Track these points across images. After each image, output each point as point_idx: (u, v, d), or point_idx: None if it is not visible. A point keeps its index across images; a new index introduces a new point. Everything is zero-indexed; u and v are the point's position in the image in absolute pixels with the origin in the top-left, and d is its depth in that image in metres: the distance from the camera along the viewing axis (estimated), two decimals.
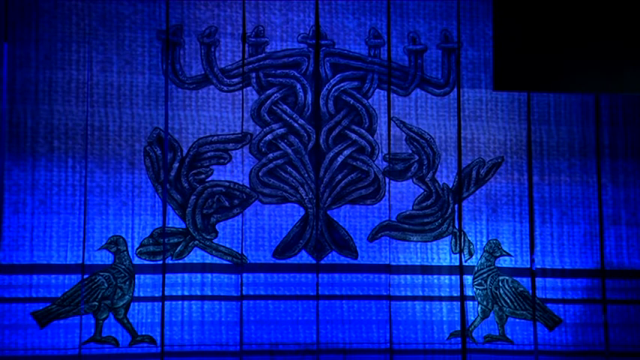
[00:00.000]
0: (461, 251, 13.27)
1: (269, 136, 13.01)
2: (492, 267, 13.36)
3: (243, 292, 12.64)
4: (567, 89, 13.51)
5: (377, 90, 13.39)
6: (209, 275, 12.59)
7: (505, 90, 13.31)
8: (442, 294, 13.16)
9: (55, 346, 12.03)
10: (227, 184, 12.82)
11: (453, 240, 13.30)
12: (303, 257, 12.89)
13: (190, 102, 12.89)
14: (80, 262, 12.22)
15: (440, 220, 13.33)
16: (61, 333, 12.07)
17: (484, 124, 13.60)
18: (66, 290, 12.14)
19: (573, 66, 12.89)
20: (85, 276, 12.22)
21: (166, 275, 12.45)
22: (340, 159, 13.13)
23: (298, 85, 13.18)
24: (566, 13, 12.88)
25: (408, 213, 13.27)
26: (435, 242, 13.28)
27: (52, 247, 12.20)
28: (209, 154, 12.82)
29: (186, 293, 12.50)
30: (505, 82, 12.86)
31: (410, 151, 13.36)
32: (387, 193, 13.23)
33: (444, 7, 13.60)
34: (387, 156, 13.27)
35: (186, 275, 12.53)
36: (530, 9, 12.82)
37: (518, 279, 13.41)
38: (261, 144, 12.98)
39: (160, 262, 12.45)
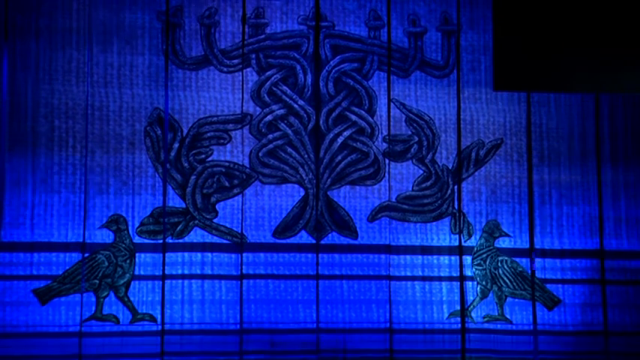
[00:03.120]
0: (460, 232, 13.69)
1: (269, 117, 13.42)
2: (491, 247, 13.79)
3: (243, 272, 13.06)
4: (566, 89, 13.98)
5: (377, 72, 13.82)
6: (209, 254, 13.01)
7: (505, 90, 13.83)
8: (441, 274, 13.60)
9: (56, 323, 12.45)
10: (227, 164, 13.23)
11: (453, 221, 13.72)
12: (303, 237, 13.31)
13: (190, 83, 13.30)
14: (81, 240, 12.64)
15: (439, 201, 13.74)
16: (62, 310, 12.48)
17: (483, 106, 14.02)
18: (67, 268, 12.57)
19: (572, 66, 13.36)
20: (86, 254, 12.64)
21: (166, 254, 12.87)
22: (340, 140, 13.55)
23: (298, 67, 13.58)
24: (564, 15, 13.33)
25: (407, 194, 13.69)
26: (434, 223, 13.71)
27: (52, 226, 12.63)
28: (209, 134, 13.23)
29: (186, 272, 12.93)
30: (505, 82, 13.32)
31: (410, 133, 13.78)
32: (386, 174, 13.65)
33: None
34: (387, 137, 13.69)
35: (186, 254, 12.96)
36: (530, 11, 13.26)
37: (517, 259, 13.85)
38: (261, 125, 13.39)
39: (161, 241, 12.87)
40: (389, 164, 13.70)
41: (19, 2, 12.76)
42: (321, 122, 13.53)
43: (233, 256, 13.09)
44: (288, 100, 13.52)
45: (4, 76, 12.66)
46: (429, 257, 13.62)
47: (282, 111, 13.48)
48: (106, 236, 12.77)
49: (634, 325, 13.99)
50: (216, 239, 13.07)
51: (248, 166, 13.30)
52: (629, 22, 13.33)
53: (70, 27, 12.95)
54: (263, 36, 13.56)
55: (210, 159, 13.21)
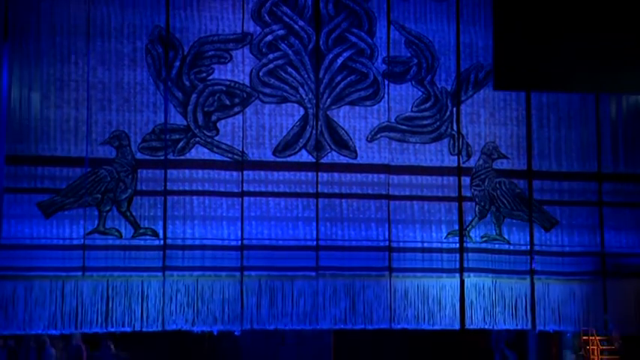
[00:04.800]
0: (459, 153, 14.06)
1: (269, 37, 13.72)
2: (490, 169, 14.16)
3: (244, 189, 13.44)
4: (565, 89, 14.35)
5: None
6: (210, 171, 13.36)
7: (505, 89, 14.14)
8: (440, 194, 13.94)
9: (59, 235, 12.85)
10: (228, 83, 13.55)
11: (451, 142, 14.08)
12: (303, 156, 13.68)
13: (191, 2, 13.64)
14: (84, 155, 13.00)
15: (438, 123, 14.09)
16: (66, 223, 12.87)
17: (482, 29, 14.33)
18: (70, 182, 12.95)
19: (571, 66, 13.63)
20: (89, 169, 12.95)
21: (168, 170, 13.25)
22: (340, 61, 13.86)
23: None
24: (564, 17, 13.57)
25: (406, 115, 14.04)
26: (433, 144, 14.07)
27: (55, 140, 12.98)
28: (210, 53, 13.54)
29: (187, 188, 13.30)
30: (505, 82, 13.62)
31: (409, 55, 14.11)
32: (386, 95, 13.99)
33: None
34: (387, 59, 14.02)
35: (187, 171, 13.33)
36: (529, 12, 13.52)
37: (515, 181, 14.21)
38: (262, 44, 13.69)
39: (162, 158, 13.23)
40: (388, 85, 14.02)
41: None
42: (321, 43, 13.83)
43: (234, 173, 13.45)
44: (288, 20, 13.79)
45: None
46: (428, 177, 13.98)
47: (282, 31, 13.76)
48: (108, 152, 13.12)
49: (630, 246, 14.40)
50: (217, 157, 13.42)
51: (248, 85, 13.62)
52: (627, 24, 13.64)
53: None
54: None
55: (211, 77, 13.52)
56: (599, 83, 13.98)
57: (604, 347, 14.48)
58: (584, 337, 14.52)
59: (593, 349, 14.62)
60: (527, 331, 14.92)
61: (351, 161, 13.81)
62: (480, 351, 15.37)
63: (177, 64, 13.43)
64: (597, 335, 14.44)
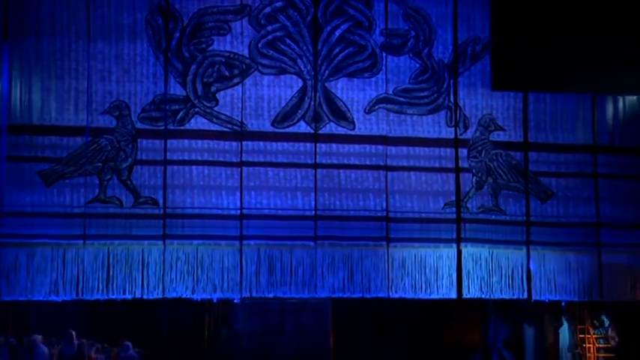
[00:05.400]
0: (456, 124, 14.25)
1: (268, 9, 13.92)
2: (487, 141, 14.37)
3: (243, 159, 13.66)
4: (563, 89, 14.49)
5: None
6: (209, 141, 13.58)
7: (503, 90, 14.29)
8: (438, 165, 14.15)
9: (60, 204, 13.06)
10: (227, 54, 13.74)
11: (449, 114, 14.29)
12: (302, 127, 13.89)
13: None
14: (84, 124, 13.19)
15: (436, 95, 14.29)
16: (67, 192, 13.07)
17: (479, 3, 14.50)
18: (71, 151, 13.14)
19: (569, 66, 13.78)
20: (89, 138, 13.15)
21: (168, 140, 13.46)
22: (338, 33, 14.06)
23: None
24: (562, 18, 13.72)
25: (404, 87, 14.25)
26: (430, 116, 14.27)
27: (56, 110, 13.19)
28: (209, 24, 13.73)
29: (187, 158, 13.49)
30: (503, 82, 13.82)
31: (407, 27, 14.30)
32: (383, 67, 14.20)
33: None
34: (384, 31, 14.21)
35: (187, 141, 13.52)
36: (527, 13, 13.68)
37: (511, 153, 14.41)
38: (260, 16, 13.88)
39: (162, 128, 13.42)
40: (386, 58, 14.21)
41: None
42: (319, 15, 14.01)
43: (233, 143, 13.65)
44: None
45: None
46: (426, 149, 14.19)
47: (280, 3, 13.94)
48: (108, 121, 13.31)
49: (624, 217, 14.62)
50: (216, 127, 13.63)
51: (247, 56, 13.81)
52: (625, 24, 13.81)
53: None
54: None
55: (210, 49, 13.71)
56: (597, 83, 14.18)
57: (600, 345, 14.83)
58: (581, 336, 14.93)
59: (589, 347, 15.05)
60: (524, 331, 15.19)
61: (349, 132, 14.02)
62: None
63: (177, 35, 13.62)
64: (594, 334, 14.75)
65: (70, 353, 13.60)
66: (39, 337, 13.56)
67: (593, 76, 14.00)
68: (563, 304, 14.67)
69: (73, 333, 13.70)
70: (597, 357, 15.03)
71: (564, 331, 15.30)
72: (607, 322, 15.16)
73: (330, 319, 14.35)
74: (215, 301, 13.58)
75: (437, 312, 15.74)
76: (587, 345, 14.93)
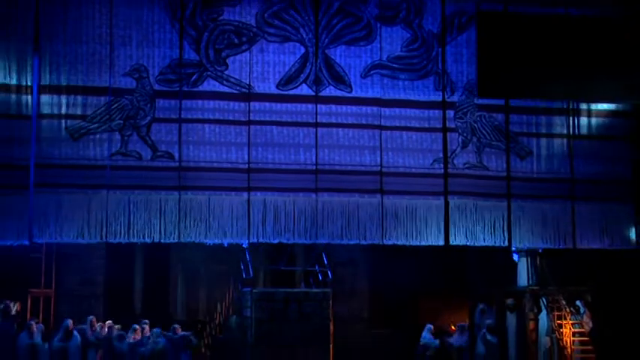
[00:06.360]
0: (444, 89, 15.73)
1: None
2: (471, 103, 15.89)
3: (251, 118, 15.08)
4: (543, 97, 15.69)
5: None
6: (220, 102, 15.04)
7: (488, 98, 15.51)
8: (427, 126, 15.65)
9: (86, 156, 14.48)
10: (236, 23, 15.21)
11: (437, 79, 15.78)
12: (304, 89, 15.37)
13: None
14: (107, 85, 14.57)
15: (425, 62, 15.79)
16: (92, 146, 14.52)
17: None
18: (95, 109, 14.53)
19: (546, 78, 14.95)
20: (112, 98, 14.57)
21: (183, 101, 14.88)
22: (336, 5, 15.56)
23: None
24: (540, 35, 14.78)
25: (397, 54, 15.74)
26: (420, 81, 15.78)
27: (82, 73, 14.59)
28: None
29: (200, 117, 14.93)
30: (488, 91, 15.06)
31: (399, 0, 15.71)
32: (378, 37, 15.68)
33: None
34: (379, 3, 15.68)
35: (200, 101, 14.98)
36: (510, 31, 14.85)
37: (494, 115, 15.91)
38: None
39: (177, 89, 14.84)
40: (380, 28, 15.69)
41: None
42: None
43: (241, 104, 15.12)
44: None
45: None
46: (416, 110, 15.69)
47: None
48: (129, 83, 14.73)
49: (598, 173, 16.15)
50: (226, 89, 15.08)
51: (255, 25, 15.26)
52: (597, 42, 15.01)
53: None
54: None
55: (221, 18, 15.15)
56: (572, 92, 15.26)
57: (576, 330, 16.29)
58: (559, 321, 16.27)
59: (565, 332, 16.32)
60: (507, 318, 16.53)
61: (346, 95, 15.51)
62: None
63: (191, 5, 15.06)
64: (570, 319, 16.19)
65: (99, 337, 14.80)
66: (70, 322, 14.65)
67: (568, 85, 15.11)
68: (540, 250, 16.22)
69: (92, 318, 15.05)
70: (573, 341, 16.28)
71: (543, 317, 16.48)
72: (582, 309, 16.48)
73: (329, 308, 15.49)
74: (226, 245, 15.01)
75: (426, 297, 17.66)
76: (564, 330, 16.20)
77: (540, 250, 16.17)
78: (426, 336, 16.19)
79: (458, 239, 15.57)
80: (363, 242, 15.37)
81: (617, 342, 16.05)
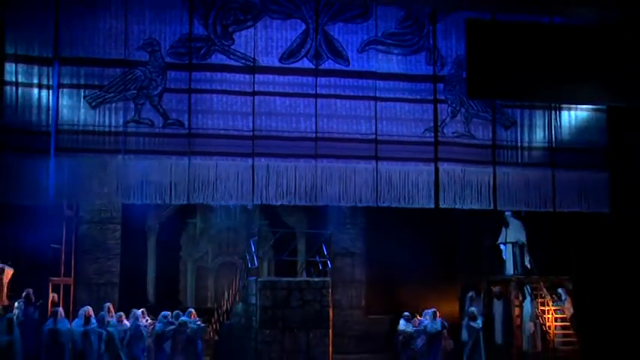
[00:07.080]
0: (434, 63, 16.91)
1: None
2: (461, 77, 17.05)
3: (255, 89, 16.28)
4: (532, 98, 16.81)
5: None
6: (227, 74, 16.25)
7: (478, 98, 16.64)
8: (419, 97, 16.89)
9: (103, 124, 15.68)
10: (242, 1, 16.43)
11: (428, 54, 16.98)
12: (305, 63, 16.58)
13: None
14: (122, 57, 15.72)
15: (417, 38, 17.01)
16: (107, 113, 15.74)
17: None
18: (111, 80, 15.73)
19: (537, 78, 15.95)
20: (126, 69, 15.75)
21: (192, 73, 16.04)
22: None
23: None
24: (529, 40, 15.78)
25: (391, 31, 16.95)
26: (413, 56, 17.00)
27: (100, 46, 15.77)
28: None
29: (208, 87, 16.15)
30: (478, 91, 16.06)
31: None
32: (374, 15, 16.84)
33: None
34: None
35: (208, 73, 16.15)
36: (499, 35, 15.85)
37: None
38: None
39: (187, 62, 16.02)
40: (376, 7, 16.88)
41: None
42: None
43: (247, 76, 16.31)
44: None
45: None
46: (409, 83, 16.91)
47: None
48: (142, 56, 15.92)
49: (577, 142, 17.39)
50: (232, 62, 16.28)
51: (259, 3, 16.43)
52: (583, 47, 16.01)
53: None
54: None
55: None
56: (558, 94, 16.39)
57: (558, 315, 17.61)
58: (542, 308, 17.61)
59: (548, 318, 17.69)
60: (493, 305, 17.70)
61: (344, 68, 16.72)
62: None
63: None
64: (552, 306, 17.49)
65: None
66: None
67: (555, 87, 16.19)
68: (522, 213, 17.48)
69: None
70: (555, 326, 17.62)
71: (527, 304, 17.73)
72: (564, 296, 17.85)
73: (329, 295, 16.61)
74: (231, 206, 16.23)
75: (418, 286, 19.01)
76: (547, 316, 17.52)
77: (523, 214, 17.48)
78: (402, 323, 17.52)
79: (447, 202, 16.81)
80: (359, 205, 16.62)
81: (596, 326, 17.38)
